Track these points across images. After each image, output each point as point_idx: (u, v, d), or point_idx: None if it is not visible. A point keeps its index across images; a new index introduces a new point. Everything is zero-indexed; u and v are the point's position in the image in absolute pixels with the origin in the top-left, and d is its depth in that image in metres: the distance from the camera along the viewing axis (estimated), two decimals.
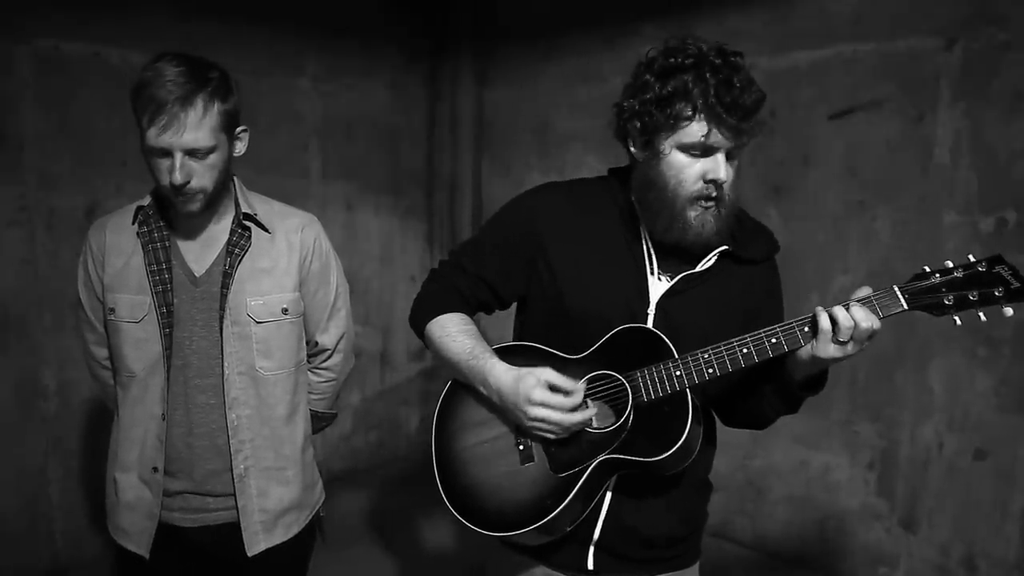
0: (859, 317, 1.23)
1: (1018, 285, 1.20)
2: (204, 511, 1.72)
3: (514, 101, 4.25)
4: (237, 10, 3.46)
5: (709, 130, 1.29)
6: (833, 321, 1.24)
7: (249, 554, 1.72)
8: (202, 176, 1.57)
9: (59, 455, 3.13)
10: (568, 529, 1.41)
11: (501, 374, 1.39)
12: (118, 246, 1.69)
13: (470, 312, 1.56)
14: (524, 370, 1.37)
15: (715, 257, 1.44)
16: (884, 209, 2.92)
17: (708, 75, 1.28)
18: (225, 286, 1.67)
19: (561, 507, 1.35)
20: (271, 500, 1.74)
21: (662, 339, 1.35)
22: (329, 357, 1.92)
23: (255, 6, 3.53)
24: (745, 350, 1.30)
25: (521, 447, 1.42)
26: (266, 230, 1.74)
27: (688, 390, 1.33)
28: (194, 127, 1.52)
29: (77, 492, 3.19)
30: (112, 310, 1.68)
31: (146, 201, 1.70)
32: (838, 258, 3.05)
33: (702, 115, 1.29)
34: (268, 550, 1.74)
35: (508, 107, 4.29)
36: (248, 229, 1.72)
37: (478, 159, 4.48)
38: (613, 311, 1.42)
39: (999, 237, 2.64)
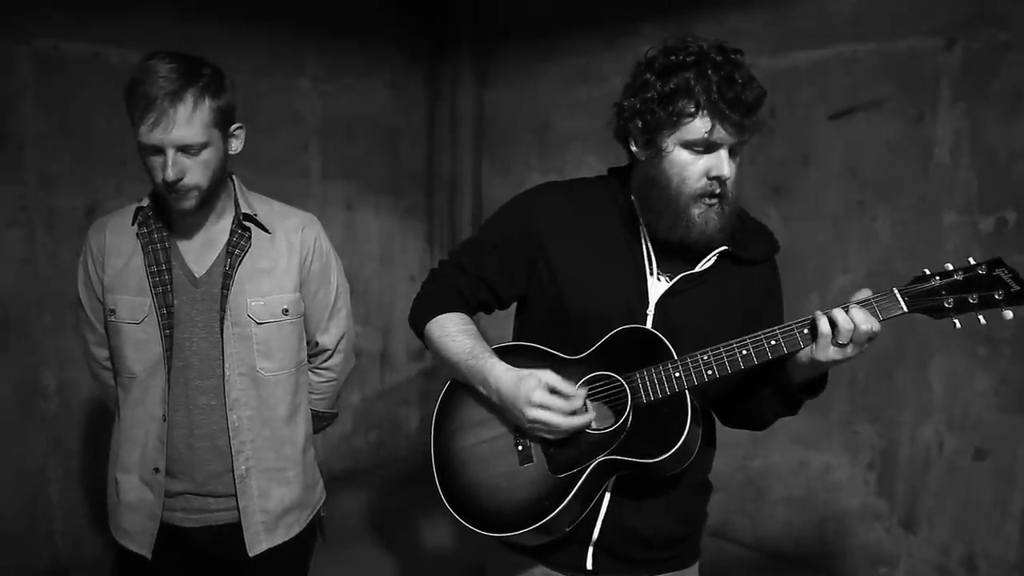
0: (859, 319, 1.23)
1: (1018, 288, 1.20)
2: (205, 511, 1.72)
3: (514, 101, 4.25)
4: (237, 10, 3.46)
5: (712, 126, 1.29)
6: (832, 324, 1.24)
7: (251, 554, 1.72)
8: (195, 173, 1.56)
9: (59, 455, 3.13)
10: (567, 530, 1.41)
11: (501, 374, 1.39)
12: (118, 247, 1.69)
13: (470, 312, 1.55)
14: (525, 371, 1.37)
15: (714, 257, 1.43)
16: (884, 209, 2.92)
17: (710, 72, 1.28)
18: (225, 287, 1.67)
19: (560, 508, 1.35)
20: (272, 500, 1.74)
21: (661, 340, 1.35)
22: (330, 357, 1.92)
23: (255, 6, 3.53)
24: (744, 352, 1.30)
25: (520, 447, 1.42)
26: (266, 230, 1.74)
27: (687, 391, 1.33)
28: (184, 123, 1.51)
29: (77, 492, 3.19)
30: (112, 311, 1.68)
31: (145, 202, 1.70)
32: (838, 258, 3.05)
33: (705, 111, 1.29)
34: (269, 550, 1.74)
35: (508, 107, 4.29)
36: (248, 230, 1.71)
37: (478, 159, 4.48)
38: (613, 311, 1.41)
39: (999, 237, 2.64)
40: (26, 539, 3.06)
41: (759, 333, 1.30)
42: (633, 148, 1.41)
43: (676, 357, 1.34)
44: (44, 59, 2.94)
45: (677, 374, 1.32)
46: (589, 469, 1.36)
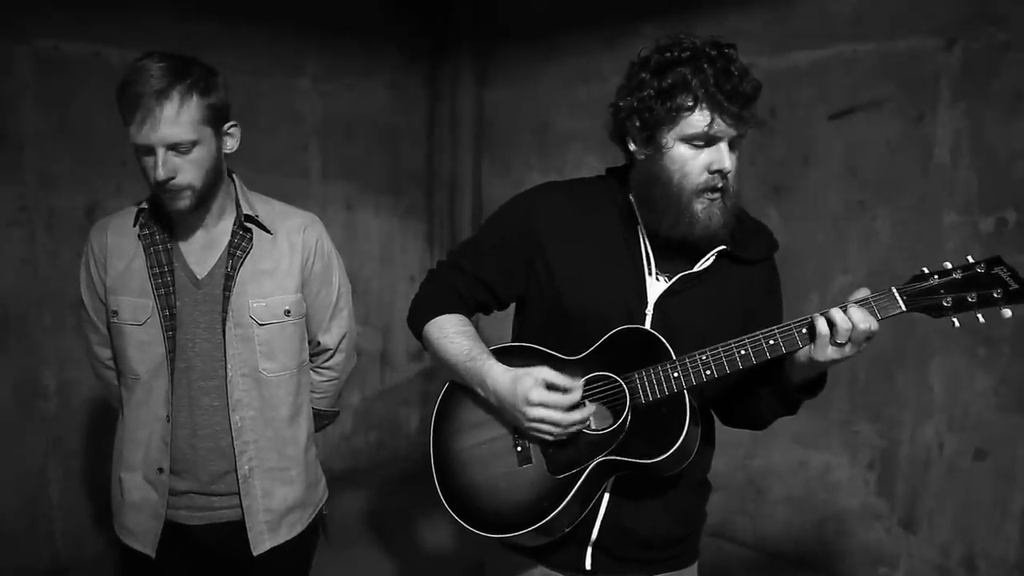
0: (857, 319, 1.22)
1: (1016, 287, 1.20)
2: (209, 509, 1.72)
3: (514, 101, 4.25)
4: (237, 10, 3.46)
5: (712, 119, 1.29)
6: (831, 323, 1.24)
7: (254, 553, 1.72)
8: (187, 172, 1.55)
9: (59, 455, 3.13)
10: (566, 530, 1.41)
11: (498, 375, 1.39)
12: (120, 248, 1.69)
13: (468, 313, 1.55)
14: (521, 370, 1.37)
15: (713, 257, 1.43)
16: (884, 209, 2.92)
17: (706, 66, 1.28)
18: (227, 288, 1.67)
19: (559, 509, 1.35)
20: (276, 500, 1.75)
21: (660, 340, 1.35)
22: (331, 357, 1.92)
23: (255, 6, 3.53)
24: (743, 352, 1.30)
25: (519, 448, 1.42)
26: (268, 231, 1.73)
27: (686, 391, 1.33)
28: (171, 121, 1.50)
29: (77, 492, 3.19)
30: (115, 312, 1.68)
31: (146, 203, 1.70)
32: (838, 258, 3.05)
33: (704, 104, 1.29)
34: (272, 549, 1.75)
35: (508, 107, 4.29)
36: (250, 231, 1.71)
37: (478, 159, 4.48)
38: (611, 311, 1.41)
39: (999, 237, 2.64)
40: (26, 539, 3.06)
41: (758, 333, 1.30)
42: (631, 147, 1.40)
43: (675, 357, 1.33)
44: (44, 59, 2.94)
45: (676, 374, 1.32)
46: (588, 470, 1.36)
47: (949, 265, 1.25)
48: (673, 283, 1.43)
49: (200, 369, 1.68)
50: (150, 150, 1.52)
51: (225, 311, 1.66)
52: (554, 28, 3.97)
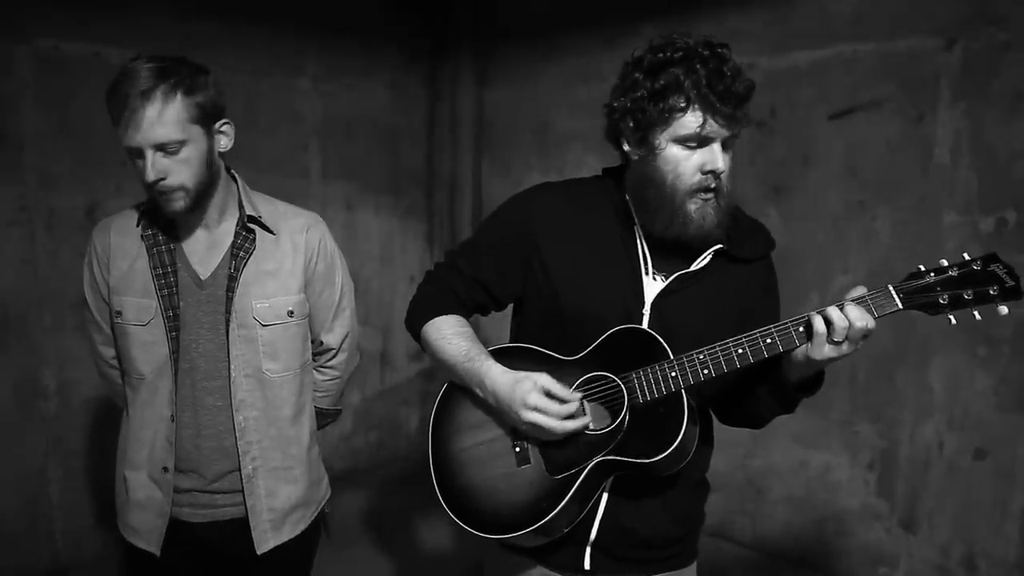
0: (853, 316, 1.22)
1: (1012, 283, 1.20)
2: (212, 507, 1.73)
3: (514, 101, 4.25)
4: (237, 10, 3.46)
5: (704, 120, 1.29)
6: (828, 321, 1.24)
7: (258, 552, 1.72)
8: (178, 172, 1.54)
9: (59, 455, 3.13)
10: (565, 530, 1.41)
11: (497, 376, 1.39)
12: (122, 248, 1.69)
13: (466, 314, 1.55)
14: (521, 374, 1.37)
15: (709, 256, 1.43)
16: (884, 209, 2.92)
17: (698, 66, 1.28)
18: (230, 289, 1.67)
19: (557, 509, 1.35)
20: (279, 499, 1.75)
21: (657, 340, 1.35)
22: (334, 356, 1.93)
23: (255, 6, 3.53)
24: (740, 350, 1.30)
25: (518, 449, 1.42)
26: (271, 232, 1.73)
27: (683, 391, 1.33)
28: (155, 121, 1.49)
29: (77, 492, 3.19)
30: (119, 313, 1.68)
31: (149, 204, 1.70)
32: (838, 258, 3.05)
33: (696, 105, 1.29)
34: (276, 547, 1.75)
35: (508, 107, 4.29)
36: (253, 231, 1.71)
37: (478, 159, 4.48)
38: (608, 311, 1.41)
39: (999, 237, 2.64)
40: (26, 539, 3.06)
41: (755, 332, 1.30)
42: (625, 148, 1.41)
43: (672, 356, 1.33)
44: (44, 59, 2.94)
45: (673, 374, 1.32)
46: (587, 470, 1.36)
47: (945, 263, 1.24)
48: (670, 282, 1.43)
49: (204, 369, 1.68)
50: (139, 152, 1.52)
51: (228, 312, 1.66)
52: (554, 28, 3.97)
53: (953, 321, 1.24)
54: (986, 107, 2.65)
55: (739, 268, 1.46)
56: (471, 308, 1.56)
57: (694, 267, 1.43)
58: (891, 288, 1.25)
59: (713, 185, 1.34)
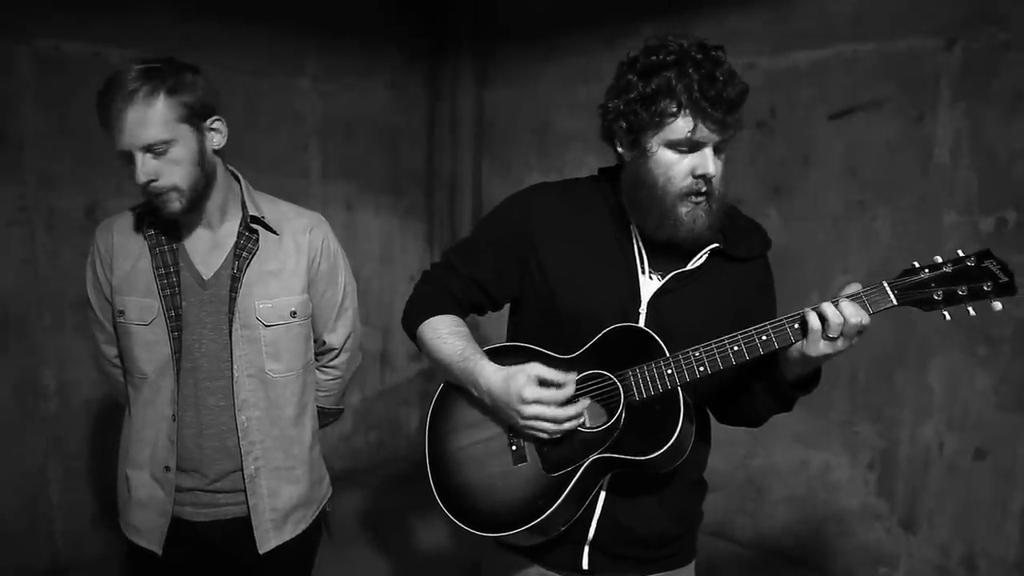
0: (848, 313, 1.23)
1: (1006, 279, 1.20)
2: (214, 506, 1.73)
3: (514, 101, 4.25)
4: (237, 10, 3.46)
5: (695, 125, 1.29)
6: (822, 318, 1.24)
7: (260, 551, 1.73)
8: (169, 173, 1.54)
9: (59, 455, 3.13)
10: (562, 529, 1.41)
11: (491, 375, 1.39)
12: (125, 248, 1.69)
13: (463, 314, 1.56)
14: (513, 368, 1.37)
15: (705, 255, 1.43)
16: (884, 209, 2.92)
17: (691, 70, 1.28)
18: (233, 290, 1.67)
19: (554, 507, 1.35)
20: (281, 499, 1.75)
21: (653, 338, 1.35)
22: (337, 356, 1.93)
23: (255, 6, 3.53)
24: (736, 348, 1.30)
25: (514, 447, 1.42)
26: (274, 232, 1.73)
27: (680, 388, 1.33)
28: (139, 122, 1.49)
29: (77, 492, 3.19)
30: (122, 312, 1.68)
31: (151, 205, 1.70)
32: (838, 258, 3.05)
33: (687, 111, 1.29)
34: (278, 546, 1.75)
35: (508, 107, 4.29)
36: (256, 232, 1.71)
37: (478, 159, 4.48)
38: (605, 310, 1.41)
39: (999, 237, 2.64)
40: (26, 539, 3.07)
41: (750, 329, 1.30)
42: (619, 149, 1.41)
43: (668, 354, 1.33)
44: (44, 59, 2.94)
45: (669, 371, 1.32)
46: (583, 468, 1.36)
47: (940, 259, 1.25)
48: (666, 281, 1.43)
49: (206, 369, 1.68)
50: (129, 156, 1.52)
51: (231, 312, 1.67)
52: (554, 28, 3.97)
53: (948, 317, 1.24)
54: (986, 107, 2.65)
55: (735, 267, 1.46)
56: (467, 308, 1.56)
57: (690, 266, 1.43)
58: (886, 284, 1.26)
59: (704, 189, 1.33)
